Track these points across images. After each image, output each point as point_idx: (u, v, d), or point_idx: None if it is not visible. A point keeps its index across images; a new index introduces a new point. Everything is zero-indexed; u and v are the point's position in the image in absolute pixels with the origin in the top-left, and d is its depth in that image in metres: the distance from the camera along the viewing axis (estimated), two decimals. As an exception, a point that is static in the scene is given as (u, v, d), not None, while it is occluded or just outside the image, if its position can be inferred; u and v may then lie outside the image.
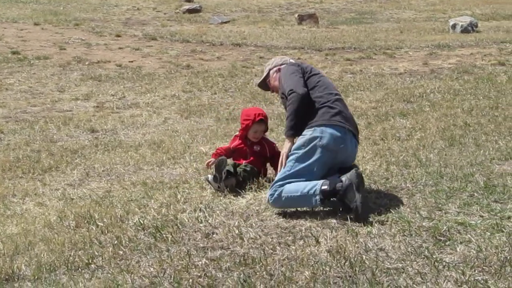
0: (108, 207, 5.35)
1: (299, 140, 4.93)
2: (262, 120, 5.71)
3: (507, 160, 6.02)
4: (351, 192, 4.48)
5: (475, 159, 6.07)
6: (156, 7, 26.86)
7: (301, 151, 4.83)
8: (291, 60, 5.59)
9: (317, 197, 4.60)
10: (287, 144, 4.99)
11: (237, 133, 5.92)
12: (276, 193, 4.76)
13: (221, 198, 5.32)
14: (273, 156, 5.63)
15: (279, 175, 4.87)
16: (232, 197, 5.30)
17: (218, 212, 4.93)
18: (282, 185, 4.76)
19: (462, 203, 4.81)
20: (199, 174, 6.18)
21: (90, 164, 7.02)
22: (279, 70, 5.44)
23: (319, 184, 4.64)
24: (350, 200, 4.48)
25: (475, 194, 5.01)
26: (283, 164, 4.91)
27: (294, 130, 4.99)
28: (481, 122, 7.69)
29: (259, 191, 5.40)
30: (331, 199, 4.66)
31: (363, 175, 4.86)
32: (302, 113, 4.97)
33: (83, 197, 5.85)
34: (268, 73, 5.56)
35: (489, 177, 5.44)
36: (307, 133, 4.88)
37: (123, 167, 6.83)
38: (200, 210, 5.01)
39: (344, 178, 4.60)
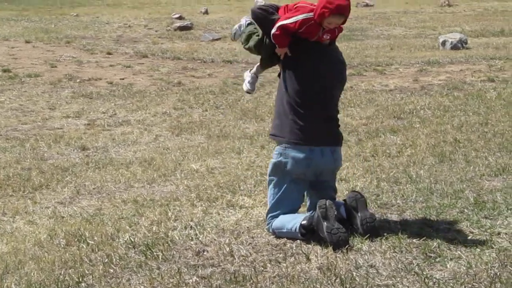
0: (98, 225, 5.34)
1: (270, 164, 4.83)
2: (343, 15, 4.59)
3: (497, 176, 6.05)
4: (320, 223, 4.45)
5: (465, 175, 6.10)
6: (147, 24, 26.90)
7: (274, 178, 4.77)
8: None
9: (298, 234, 4.57)
10: None
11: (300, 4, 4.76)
12: (270, 227, 4.77)
13: (212, 215, 5.32)
14: None
15: (268, 203, 4.84)
16: (223, 214, 5.31)
17: (209, 229, 4.93)
18: (272, 217, 4.76)
19: (452, 219, 4.82)
20: (190, 192, 6.17)
21: (81, 182, 7.00)
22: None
23: (299, 222, 4.57)
24: (321, 232, 4.44)
25: (465, 210, 5.03)
26: None
27: None
28: (471, 138, 7.73)
29: (250, 208, 5.41)
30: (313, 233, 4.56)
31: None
32: None
33: (74, 215, 5.84)
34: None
35: (479, 193, 5.47)
36: (274, 155, 4.76)
37: (114, 184, 6.82)
38: (190, 227, 5.01)
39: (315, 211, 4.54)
